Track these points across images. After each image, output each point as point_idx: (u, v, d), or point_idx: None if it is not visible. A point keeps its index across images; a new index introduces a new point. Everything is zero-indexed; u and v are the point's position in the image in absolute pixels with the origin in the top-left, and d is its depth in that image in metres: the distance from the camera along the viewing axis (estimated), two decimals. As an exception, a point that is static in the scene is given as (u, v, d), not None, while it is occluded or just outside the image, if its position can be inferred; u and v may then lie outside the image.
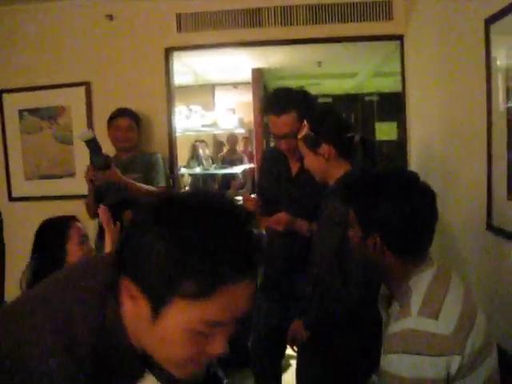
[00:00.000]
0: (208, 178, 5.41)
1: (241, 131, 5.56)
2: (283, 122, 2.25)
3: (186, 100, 4.89)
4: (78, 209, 2.88)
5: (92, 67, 3.47)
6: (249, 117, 5.37)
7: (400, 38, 3.29)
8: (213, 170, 5.19)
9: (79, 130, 3.45)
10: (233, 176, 5.56)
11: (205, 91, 5.43)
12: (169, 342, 0.82)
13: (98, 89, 3.48)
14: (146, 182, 2.99)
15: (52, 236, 2.02)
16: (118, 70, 3.45)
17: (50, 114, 3.52)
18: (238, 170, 5.37)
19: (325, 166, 1.98)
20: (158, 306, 0.79)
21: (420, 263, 1.35)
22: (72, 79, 3.47)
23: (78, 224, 2.10)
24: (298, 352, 2.12)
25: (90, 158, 2.75)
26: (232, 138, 6.13)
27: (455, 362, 1.20)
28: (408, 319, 1.26)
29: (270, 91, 2.56)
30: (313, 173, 2.06)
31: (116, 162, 2.97)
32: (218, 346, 0.83)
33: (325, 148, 1.95)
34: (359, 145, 2.02)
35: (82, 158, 3.43)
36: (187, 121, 4.81)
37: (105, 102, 3.43)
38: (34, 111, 3.55)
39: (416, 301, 1.28)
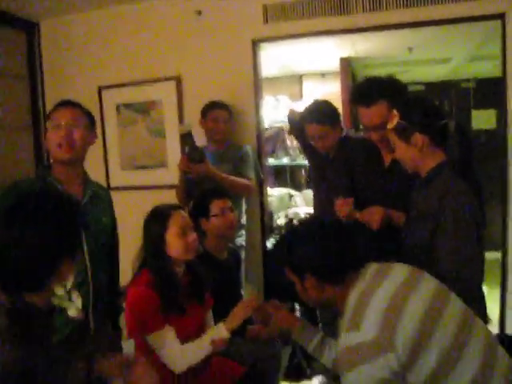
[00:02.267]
0: (296, 168, 5.39)
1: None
2: (373, 112, 2.16)
3: (273, 91, 4.90)
4: (169, 198, 3.00)
5: (182, 62, 3.59)
6: (337, 107, 5.29)
7: (501, 16, 3.04)
8: (300, 161, 5.17)
9: (170, 123, 3.60)
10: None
11: (292, 81, 5.40)
12: None
13: (187, 82, 3.59)
14: (236, 174, 3.05)
15: (152, 225, 2.03)
16: (206, 64, 3.54)
17: (144, 108, 3.70)
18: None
19: (417, 156, 1.87)
20: None
21: (350, 283, 1.52)
22: (163, 74, 3.62)
23: (181, 213, 2.05)
24: None
25: (186, 151, 2.85)
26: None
27: (392, 358, 1.29)
28: (341, 339, 1.41)
29: (359, 81, 2.48)
30: (404, 164, 1.96)
31: (208, 153, 3.05)
32: None
33: (417, 137, 1.84)
34: (454, 133, 1.91)
35: (173, 149, 3.58)
36: (274, 112, 4.83)
37: (194, 95, 3.53)
38: (129, 105, 3.75)
39: (345, 320, 1.44)
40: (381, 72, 2.46)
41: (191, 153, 2.82)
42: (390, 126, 1.93)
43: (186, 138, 2.85)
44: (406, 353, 1.30)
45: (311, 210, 3.87)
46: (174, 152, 3.57)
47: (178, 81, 3.59)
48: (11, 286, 1.26)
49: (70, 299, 1.93)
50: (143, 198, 3.42)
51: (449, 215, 1.73)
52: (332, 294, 1.56)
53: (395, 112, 1.91)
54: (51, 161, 2.05)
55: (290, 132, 3.77)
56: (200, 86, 3.54)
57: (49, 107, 3.96)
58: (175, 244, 1.98)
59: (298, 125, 3.11)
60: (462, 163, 1.87)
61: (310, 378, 3.06)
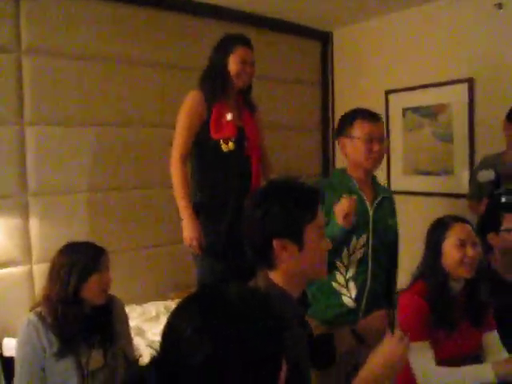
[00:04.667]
0: None
1: None
2: None
3: None
4: (453, 208, 2.85)
5: (475, 63, 3.35)
6: None
7: None
8: None
9: (460, 127, 3.40)
10: None
11: None
12: None
13: (480, 85, 3.34)
14: None
15: (432, 233, 1.98)
16: (502, 65, 3.22)
17: (431, 112, 3.60)
18: None
19: None
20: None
21: None
22: (453, 77, 3.45)
23: (465, 225, 1.92)
24: None
25: (500, 199, 2.61)
26: None
27: None
28: None
29: None
30: None
31: (501, 165, 2.81)
32: None
33: None
34: None
35: (460, 155, 3.39)
36: None
37: (488, 98, 3.28)
38: (415, 109, 3.70)
39: None
40: None
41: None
42: None
43: (489, 186, 2.66)
44: None
45: None
46: (461, 158, 3.40)
47: (470, 83, 3.37)
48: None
49: (346, 287, 2.08)
50: (425, 204, 3.36)
51: None
52: None
53: None
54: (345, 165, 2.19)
55: None
56: (495, 89, 3.25)
57: (337, 111, 4.22)
58: (451, 254, 1.88)
59: None
60: None
61: None
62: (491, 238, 2.25)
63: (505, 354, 1.94)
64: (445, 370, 1.82)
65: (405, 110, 3.76)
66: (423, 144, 3.65)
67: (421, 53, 3.63)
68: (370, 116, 2.09)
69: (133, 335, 2.17)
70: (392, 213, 2.23)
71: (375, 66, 3.94)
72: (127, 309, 2.10)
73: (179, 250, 2.95)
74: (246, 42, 2.48)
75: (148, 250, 3.20)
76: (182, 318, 0.88)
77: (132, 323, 2.44)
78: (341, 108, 4.18)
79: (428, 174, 3.61)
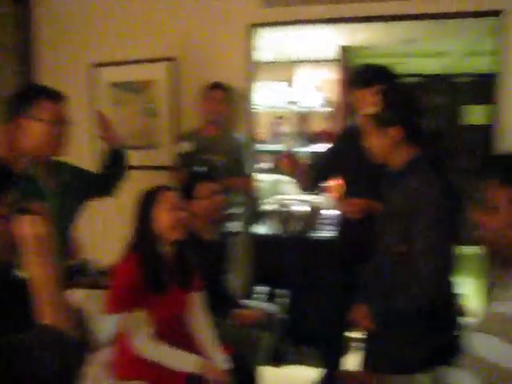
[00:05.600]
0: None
1: (324, 109, 5.45)
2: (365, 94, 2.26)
3: (268, 76, 4.86)
4: (162, 179, 3.02)
5: (177, 43, 3.54)
6: (334, 95, 5.25)
7: (497, 13, 3.01)
8: (295, 148, 5.14)
9: (164, 103, 3.55)
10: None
11: (288, 68, 5.36)
12: None
13: (183, 64, 3.54)
14: (233, 166, 3.11)
15: (142, 202, 2.05)
16: (202, 46, 3.49)
17: (138, 88, 3.66)
18: (320, 148, 5.26)
19: (390, 148, 1.87)
20: None
21: None
22: (159, 54, 3.57)
23: (171, 192, 2.08)
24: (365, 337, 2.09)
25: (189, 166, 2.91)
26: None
27: None
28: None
29: (358, 67, 2.56)
30: (373, 154, 1.95)
31: (201, 138, 3.12)
32: None
33: (394, 130, 1.84)
34: (433, 133, 1.93)
35: (165, 130, 3.57)
36: (269, 97, 4.80)
37: (190, 77, 3.50)
38: (123, 84, 3.69)
39: None
40: (379, 62, 2.54)
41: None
42: (367, 111, 1.94)
43: (187, 157, 2.98)
44: None
45: (302, 198, 3.87)
46: (166, 133, 3.57)
47: (174, 62, 3.54)
48: None
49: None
50: (135, 178, 3.41)
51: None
52: None
53: (377, 99, 1.91)
54: None
55: None
56: (196, 68, 3.50)
57: (39, 81, 3.87)
58: (163, 219, 2.00)
59: None
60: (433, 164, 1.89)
61: (294, 363, 3.13)
62: (191, 204, 2.45)
63: (206, 314, 2.15)
64: (160, 348, 1.92)
65: (112, 85, 3.71)
66: (131, 119, 3.68)
67: (130, 29, 3.63)
68: (54, 95, 1.95)
69: None
70: None
71: (82, 36, 3.75)
72: None
73: None
74: None
75: None
76: None
77: None
78: (44, 79, 3.86)
79: (136, 148, 3.62)
